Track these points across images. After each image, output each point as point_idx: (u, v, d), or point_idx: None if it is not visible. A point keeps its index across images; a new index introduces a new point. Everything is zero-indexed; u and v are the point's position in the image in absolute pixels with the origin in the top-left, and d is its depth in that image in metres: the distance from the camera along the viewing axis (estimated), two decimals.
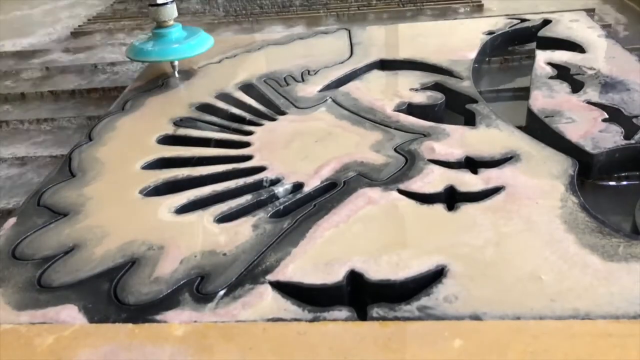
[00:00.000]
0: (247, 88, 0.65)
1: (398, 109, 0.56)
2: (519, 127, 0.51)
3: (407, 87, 0.61)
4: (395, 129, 0.53)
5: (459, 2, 0.96)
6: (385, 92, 0.60)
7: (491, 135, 0.50)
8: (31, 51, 0.95)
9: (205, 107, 0.61)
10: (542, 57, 0.64)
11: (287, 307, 0.34)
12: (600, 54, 0.63)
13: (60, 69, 0.87)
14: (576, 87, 0.57)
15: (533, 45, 0.71)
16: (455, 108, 0.58)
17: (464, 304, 0.33)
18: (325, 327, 0.32)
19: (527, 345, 0.30)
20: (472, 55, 0.67)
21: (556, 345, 0.29)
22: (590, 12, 0.82)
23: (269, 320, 0.33)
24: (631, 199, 0.45)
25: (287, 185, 0.46)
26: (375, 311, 0.33)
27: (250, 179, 0.47)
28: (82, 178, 0.50)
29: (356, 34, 0.77)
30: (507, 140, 0.49)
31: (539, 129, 0.51)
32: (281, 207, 0.44)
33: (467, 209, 0.41)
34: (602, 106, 0.52)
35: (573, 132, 0.49)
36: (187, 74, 0.70)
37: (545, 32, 0.71)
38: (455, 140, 0.50)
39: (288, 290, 0.36)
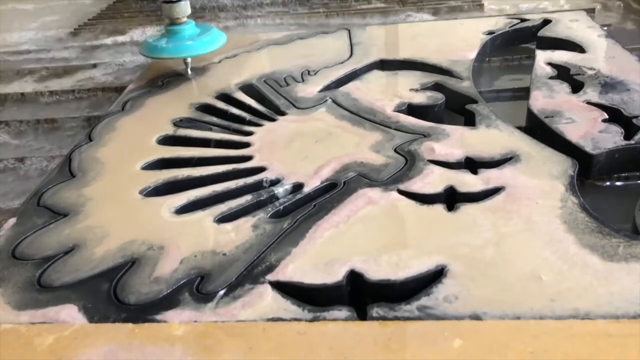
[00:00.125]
0: (247, 88, 0.65)
1: (398, 109, 0.56)
2: (519, 127, 0.51)
3: (407, 87, 0.61)
4: (395, 129, 0.53)
5: (459, 2, 0.96)
6: (385, 93, 0.60)
7: (491, 136, 0.50)
8: (31, 50, 0.95)
9: (205, 108, 0.61)
10: (542, 57, 0.64)
11: (287, 307, 0.34)
12: (600, 54, 0.63)
13: (60, 69, 0.87)
14: (576, 87, 0.57)
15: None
16: (455, 108, 0.58)
17: (464, 304, 0.33)
18: (325, 327, 0.32)
19: (527, 345, 0.30)
20: (472, 55, 0.67)
21: (556, 345, 0.29)
22: (590, 12, 0.82)
23: (269, 320, 0.33)
24: (631, 199, 0.45)
25: (287, 185, 0.46)
26: (375, 311, 0.33)
27: (250, 180, 0.47)
28: (82, 178, 0.50)
29: (356, 34, 0.77)
30: (507, 140, 0.49)
31: (539, 129, 0.51)
32: (281, 207, 0.44)
33: (467, 209, 0.41)
34: (602, 106, 0.52)
35: (573, 133, 0.49)
36: (187, 74, 0.70)
37: (545, 32, 0.71)
38: (455, 141, 0.50)
39: (288, 290, 0.36)
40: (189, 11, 0.67)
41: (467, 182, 0.44)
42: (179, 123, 0.58)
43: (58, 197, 0.47)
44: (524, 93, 0.61)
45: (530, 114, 0.53)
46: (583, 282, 0.34)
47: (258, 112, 0.60)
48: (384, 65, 0.68)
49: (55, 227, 0.43)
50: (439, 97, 0.58)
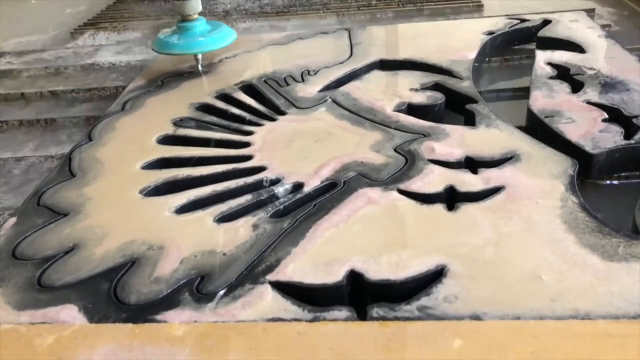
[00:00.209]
0: (247, 88, 0.65)
1: (398, 109, 0.56)
2: (519, 127, 0.51)
3: (407, 87, 0.61)
4: (395, 129, 0.53)
5: (459, 2, 0.96)
6: (385, 92, 0.60)
7: (491, 135, 0.50)
8: (31, 50, 0.95)
9: (205, 107, 0.61)
10: (542, 57, 0.64)
11: (287, 307, 0.34)
12: (600, 54, 0.63)
13: (60, 69, 0.87)
14: (576, 87, 0.57)
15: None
16: (455, 108, 0.58)
17: (464, 304, 0.33)
18: (325, 327, 0.32)
19: (527, 345, 0.30)
20: (472, 55, 0.67)
21: (556, 345, 0.29)
22: (590, 12, 0.82)
23: (269, 320, 0.33)
24: (631, 199, 0.45)
25: (287, 185, 0.46)
26: (375, 311, 0.33)
27: (250, 179, 0.47)
28: (82, 178, 0.50)
29: (356, 34, 0.77)
30: (507, 140, 0.49)
31: (539, 129, 0.51)
32: (281, 207, 0.44)
33: (467, 209, 0.41)
34: (602, 106, 0.52)
35: (573, 132, 0.49)
36: (187, 74, 0.70)
37: (545, 32, 0.71)
38: (455, 140, 0.50)
39: (288, 290, 0.36)
40: (200, 8, 0.68)
41: (467, 181, 0.44)
42: (179, 123, 0.58)
43: (58, 196, 0.47)
44: (524, 93, 0.61)
45: (530, 114, 0.53)
46: (583, 282, 0.34)
47: (258, 111, 0.60)
48: (384, 65, 0.68)
49: (56, 226, 0.43)
50: (439, 97, 0.58)
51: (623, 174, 0.48)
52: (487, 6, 0.94)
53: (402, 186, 0.44)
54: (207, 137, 0.55)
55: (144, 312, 0.35)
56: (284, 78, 0.66)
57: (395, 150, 0.49)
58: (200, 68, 0.71)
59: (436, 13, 0.95)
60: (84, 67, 0.86)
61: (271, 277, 0.36)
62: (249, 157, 0.51)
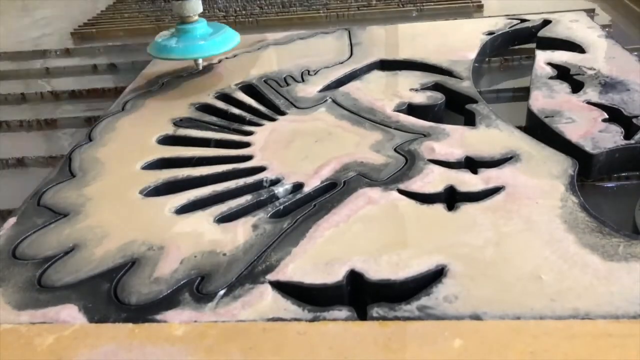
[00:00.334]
0: (247, 88, 0.65)
1: (398, 109, 0.57)
2: (519, 127, 0.52)
3: (407, 87, 0.61)
4: (395, 129, 0.53)
5: (459, 2, 0.96)
6: (385, 92, 0.60)
7: (491, 135, 0.50)
8: (30, 51, 0.95)
9: (205, 107, 0.61)
10: (542, 57, 0.64)
11: (287, 307, 0.34)
12: (600, 54, 0.63)
13: (60, 69, 0.87)
14: (576, 87, 0.57)
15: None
16: (455, 108, 0.58)
17: (464, 304, 0.33)
18: (325, 327, 0.32)
19: (527, 345, 0.30)
20: (472, 55, 0.67)
21: (556, 345, 0.29)
22: (590, 12, 0.82)
23: (269, 320, 0.33)
24: (631, 199, 0.45)
25: (287, 185, 0.46)
26: (375, 311, 0.33)
27: (250, 179, 0.47)
28: (82, 178, 0.50)
29: (356, 34, 0.77)
30: (507, 140, 0.49)
31: (539, 129, 0.51)
32: (281, 207, 0.44)
33: (467, 209, 0.41)
34: (602, 106, 0.52)
35: (573, 132, 0.49)
36: (187, 74, 0.70)
37: (545, 33, 0.71)
38: (455, 140, 0.50)
39: (288, 290, 0.36)
40: (200, 9, 0.63)
41: (467, 181, 0.44)
42: (179, 123, 0.58)
43: (58, 197, 0.47)
44: (524, 93, 0.61)
45: (530, 114, 0.53)
46: (583, 282, 0.34)
47: (258, 111, 0.60)
48: (384, 65, 0.68)
49: (56, 227, 0.43)
50: (439, 97, 0.58)
51: (623, 174, 0.49)
52: (487, 6, 0.94)
53: (402, 186, 0.44)
54: (207, 137, 0.55)
55: (144, 312, 0.35)
56: (284, 78, 0.66)
57: (395, 150, 0.49)
58: (200, 68, 0.70)
59: (436, 13, 0.95)
60: (84, 67, 0.87)
61: (271, 277, 0.36)
62: (249, 157, 0.51)
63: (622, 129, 0.48)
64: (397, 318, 0.32)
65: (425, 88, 0.61)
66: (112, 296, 0.36)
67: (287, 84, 0.65)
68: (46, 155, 0.63)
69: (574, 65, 0.61)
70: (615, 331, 0.30)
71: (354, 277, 0.36)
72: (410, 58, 0.67)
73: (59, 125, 0.71)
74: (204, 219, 0.43)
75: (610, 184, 0.49)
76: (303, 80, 0.65)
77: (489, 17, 0.85)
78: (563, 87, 0.57)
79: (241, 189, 0.47)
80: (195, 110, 0.61)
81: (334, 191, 0.44)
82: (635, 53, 0.63)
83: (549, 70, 0.61)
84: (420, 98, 0.58)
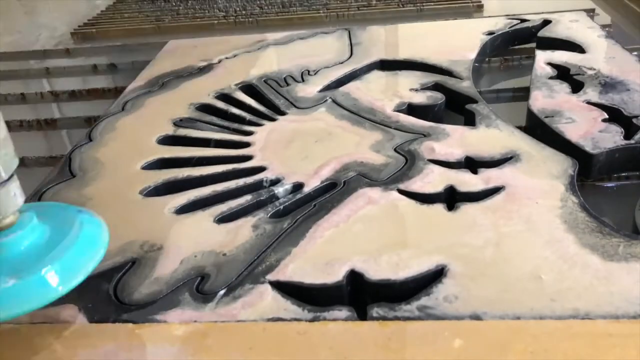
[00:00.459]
0: (247, 88, 0.65)
1: (398, 109, 0.57)
2: (519, 127, 0.52)
3: (407, 87, 0.61)
4: (395, 129, 0.53)
5: (459, 2, 0.96)
6: (385, 92, 0.60)
7: (491, 135, 0.50)
8: (30, 51, 0.95)
9: (205, 107, 0.61)
10: (542, 57, 0.64)
11: (287, 307, 0.34)
12: (600, 54, 0.63)
13: (60, 69, 0.87)
14: (576, 87, 0.57)
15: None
16: (455, 108, 0.58)
17: (464, 304, 0.33)
18: (325, 327, 0.32)
19: (527, 345, 0.30)
20: (472, 55, 0.67)
21: (556, 345, 0.29)
22: (590, 12, 0.82)
23: (269, 320, 0.33)
24: (631, 199, 0.45)
25: (287, 185, 0.46)
26: (375, 311, 0.33)
27: (250, 179, 0.47)
28: (82, 178, 0.50)
29: (356, 34, 0.78)
30: (507, 140, 0.49)
31: (539, 129, 0.51)
32: (281, 207, 0.44)
33: (467, 209, 0.41)
34: (602, 106, 0.52)
35: (573, 132, 0.49)
36: (187, 74, 0.70)
37: (545, 33, 0.71)
38: (455, 140, 0.50)
39: (288, 290, 0.36)
40: (20, 203, 0.32)
41: (467, 181, 0.44)
42: (178, 123, 0.58)
43: (58, 197, 0.47)
44: (524, 93, 0.61)
45: (530, 114, 0.53)
46: (583, 282, 0.34)
47: (258, 111, 0.60)
48: (384, 65, 0.68)
49: None
50: (439, 97, 0.58)
51: (623, 174, 0.49)
52: (487, 6, 0.94)
53: (402, 186, 0.44)
54: (207, 137, 0.55)
55: (144, 312, 0.35)
56: (284, 78, 0.66)
57: (395, 150, 0.49)
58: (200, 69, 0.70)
59: (436, 13, 0.95)
60: (84, 67, 0.87)
61: (271, 277, 0.36)
62: (249, 157, 0.51)
63: (622, 129, 0.48)
64: (397, 318, 0.32)
65: (425, 88, 0.61)
66: (112, 296, 0.36)
67: (287, 84, 0.65)
68: (46, 155, 0.63)
69: (574, 65, 0.61)
70: (615, 331, 0.30)
71: (354, 277, 0.36)
72: (410, 58, 0.67)
73: (59, 125, 0.71)
74: (204, 219, 0.43)
75: (610, 184, 0.49)
76: (303, 80, 0.65)
77: (489, 17, 0.85)
78: (563, 87, 0.57)
79: (241, 189, 0.47)
80: (195, 110, 0.61)
81: (334, 191, 0.44)
82: (635, 53, 0.63)
83: (549, 70, 0.61)
84: (420, 98, 0.58)
